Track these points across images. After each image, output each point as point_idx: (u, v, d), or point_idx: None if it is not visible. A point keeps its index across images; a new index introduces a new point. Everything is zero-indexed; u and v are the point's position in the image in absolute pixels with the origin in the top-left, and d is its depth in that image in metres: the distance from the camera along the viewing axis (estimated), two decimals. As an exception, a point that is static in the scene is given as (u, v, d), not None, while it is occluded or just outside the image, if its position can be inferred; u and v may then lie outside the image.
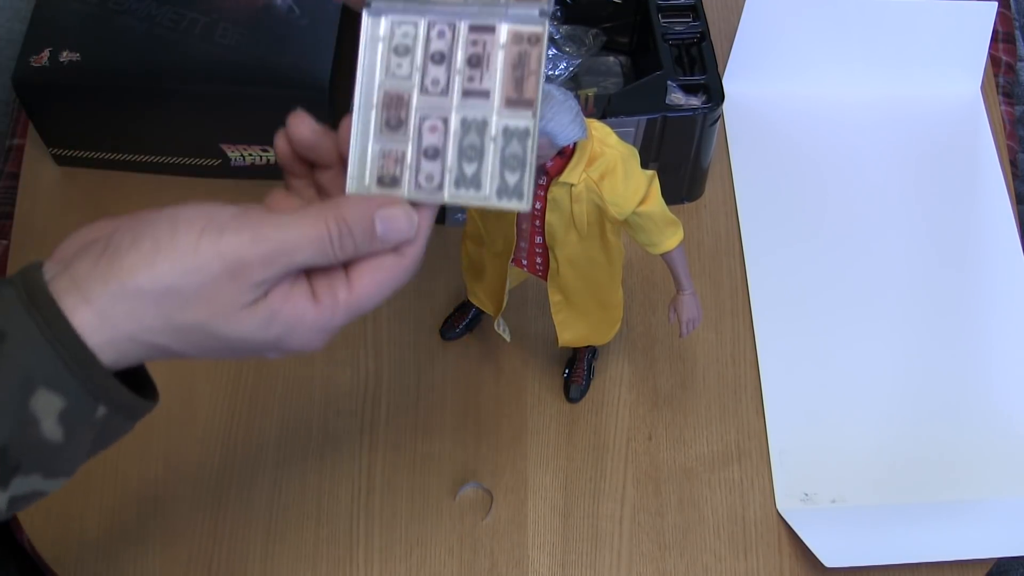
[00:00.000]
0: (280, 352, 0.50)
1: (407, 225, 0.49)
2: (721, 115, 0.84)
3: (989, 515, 0.77)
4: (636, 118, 0.81)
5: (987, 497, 0.78)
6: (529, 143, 0.50)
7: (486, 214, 0.68)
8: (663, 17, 0.86)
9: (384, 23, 0.51)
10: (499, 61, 0.50)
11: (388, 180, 0.50)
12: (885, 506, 0.78)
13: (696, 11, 0.86)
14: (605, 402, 0.81)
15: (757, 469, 0.79)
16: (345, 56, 0.87)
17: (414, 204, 0.50)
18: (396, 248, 0.50)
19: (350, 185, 0.50)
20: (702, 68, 0.84)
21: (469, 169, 0.50)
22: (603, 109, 0.82)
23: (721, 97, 0.82)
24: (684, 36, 0.85)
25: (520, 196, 0.49)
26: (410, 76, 0.51)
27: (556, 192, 0.63)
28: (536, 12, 0.49)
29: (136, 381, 0.50)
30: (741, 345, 0.84)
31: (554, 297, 0.71)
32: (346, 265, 0.50)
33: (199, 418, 0.80)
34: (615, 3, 0.91)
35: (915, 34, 0.93)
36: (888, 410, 0.82)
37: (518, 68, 0.50)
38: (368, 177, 0.50)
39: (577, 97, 0.70)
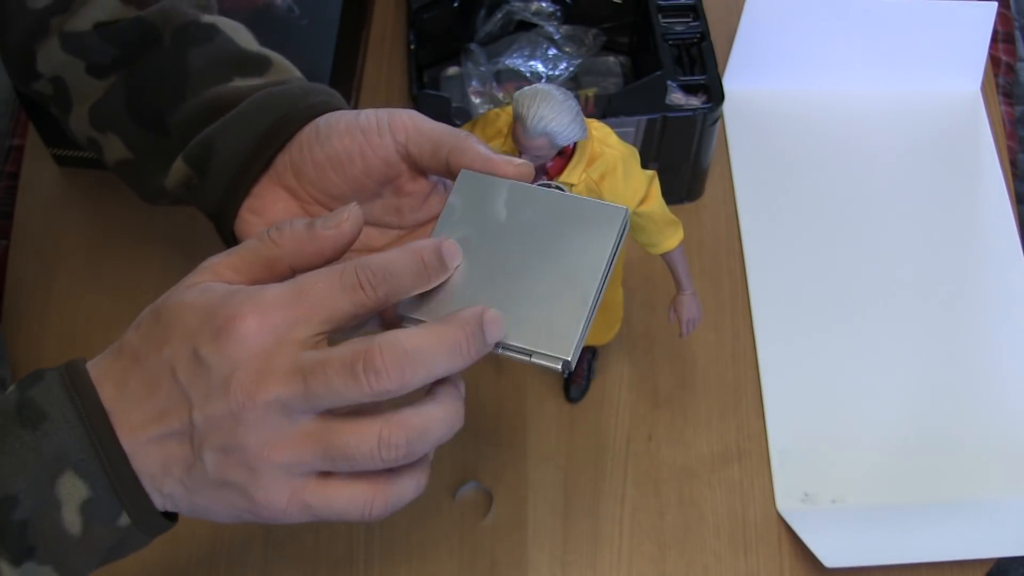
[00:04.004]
0: None
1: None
2: (721, 115, 0.84)
3: (989, 515, 0.77)
4: (636, 118, 0.81)
5: (987, 497, 0.78)
6: None
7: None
8: (663, 17, 0.86)
9: None
10: None
11: None
12: (885, 506, 0.78)
13: (696, 11, 0.86)
14: (605, 402, 0.81)
15: (757, 469, 0.79)
16: (345, 56, 0.87)
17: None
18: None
19: None
20: (702, 68, 0.84)
21: None
22: (603, 109, 0.82)
23: (721, 97, 0.82)
24: (684, 36, 0.85)
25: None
26: None
27: (556, 192, 0.62)
28: None
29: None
30: (741, 345, 0.84)
31: (554, 297, 0.71)
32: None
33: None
34: (615, 3, 0.91)
35: (915, 34, 0.93)
36: (888, 410, 0.82)
37: None
38: None
39: (577, 97, 0.70)
